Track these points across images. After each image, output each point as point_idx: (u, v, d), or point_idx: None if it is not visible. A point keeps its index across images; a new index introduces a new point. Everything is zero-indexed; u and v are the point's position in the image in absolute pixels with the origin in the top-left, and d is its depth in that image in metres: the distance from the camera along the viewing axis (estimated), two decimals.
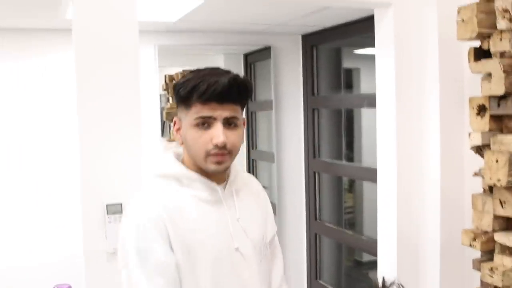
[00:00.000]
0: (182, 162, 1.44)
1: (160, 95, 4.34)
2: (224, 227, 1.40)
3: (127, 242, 1.34)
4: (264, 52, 3.97)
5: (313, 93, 3.77)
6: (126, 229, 1.36)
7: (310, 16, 3.08)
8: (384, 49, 2.39)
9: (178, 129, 1.41)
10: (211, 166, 1.36)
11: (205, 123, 1.33)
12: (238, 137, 1.37)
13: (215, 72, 1.35)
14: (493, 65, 1.72)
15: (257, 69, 4.46)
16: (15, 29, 3.28)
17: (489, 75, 1.74)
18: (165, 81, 5.47)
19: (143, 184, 1.50)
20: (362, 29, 3.09)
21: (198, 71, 1.36)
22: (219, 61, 4.85)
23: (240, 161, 4.69)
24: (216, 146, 1.33)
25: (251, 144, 4.62)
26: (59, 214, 3.41)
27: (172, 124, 1.43)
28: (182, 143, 1.41)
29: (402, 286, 1.36)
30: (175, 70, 5.26)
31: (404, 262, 2.36)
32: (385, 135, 2.42)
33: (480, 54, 1.81)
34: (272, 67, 3.87)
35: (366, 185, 4.04)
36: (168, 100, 5.44)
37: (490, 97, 1.76)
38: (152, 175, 1.45)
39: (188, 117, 1.35)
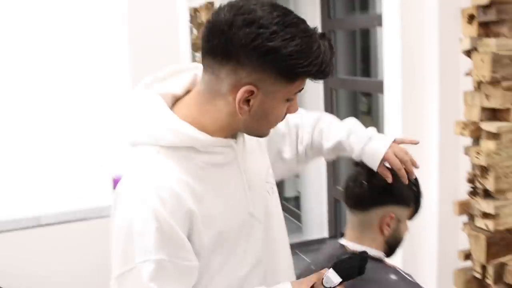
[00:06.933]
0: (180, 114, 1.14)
1: None
2: (241, 191, 1.22)
3: (146, 238, 1.03)
4: None
5: (329, 15, 4.05)
6: (137, 223, 1.04)
7: None
8: None
9: (248, 100, 1.08)
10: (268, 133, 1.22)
11: None
12: None
13: (315, 36, 1.07)
14: None
15: None
16: None
17: None
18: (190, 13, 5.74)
19: (139, 157, 1.14)
20: None
21: (297, 30, 1.04)
22: None
23: None
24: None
25: None
26: None
27: (241, 93, 1.06)
28: (244, 115, 1.10)
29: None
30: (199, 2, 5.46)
31: None
32: (392, 52, 2.72)
33: None
34: None
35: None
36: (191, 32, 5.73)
37: (478, 7, 2.07)
38: (153, 144, 1.11)
39: (287, 89, 1.10)
